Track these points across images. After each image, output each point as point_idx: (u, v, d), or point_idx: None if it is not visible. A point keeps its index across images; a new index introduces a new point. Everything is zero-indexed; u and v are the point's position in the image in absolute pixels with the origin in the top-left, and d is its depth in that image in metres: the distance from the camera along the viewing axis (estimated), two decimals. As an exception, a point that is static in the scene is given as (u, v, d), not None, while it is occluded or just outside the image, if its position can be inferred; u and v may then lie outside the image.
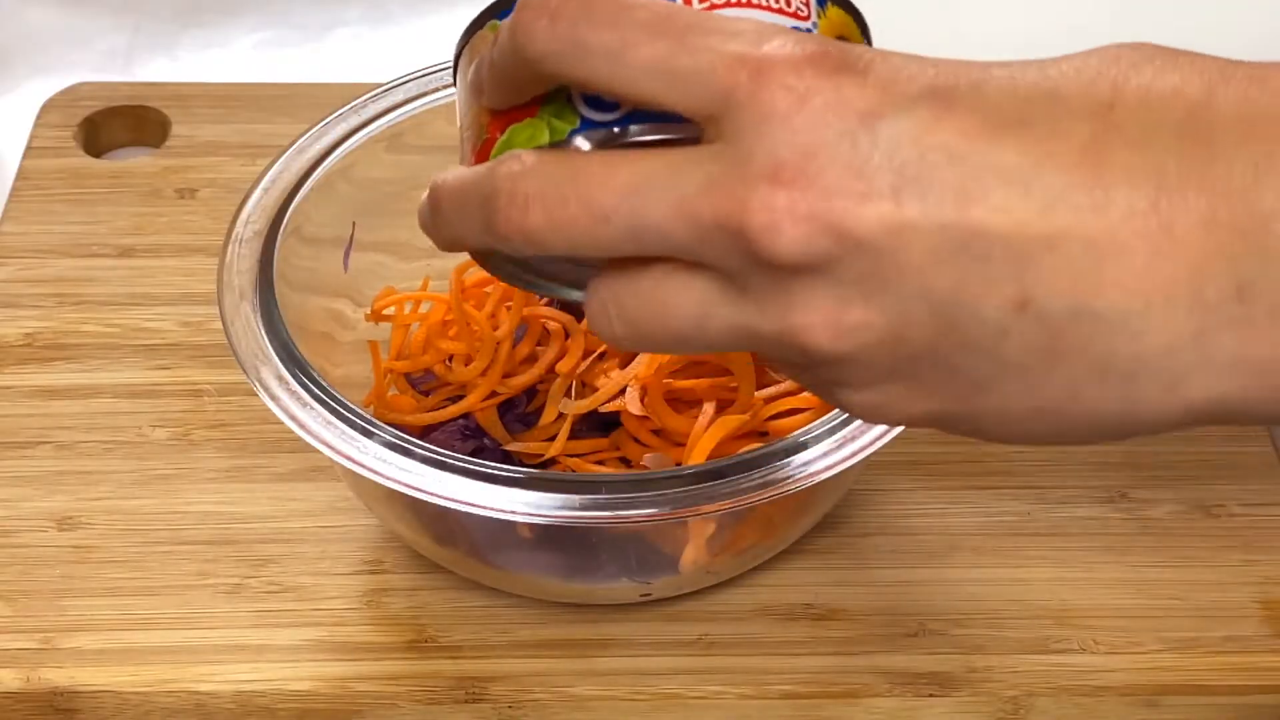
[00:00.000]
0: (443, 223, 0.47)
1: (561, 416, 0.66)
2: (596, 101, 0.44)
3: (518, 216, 0.43)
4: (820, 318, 0.42)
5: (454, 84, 0.50)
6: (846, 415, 0.60)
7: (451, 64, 0.50)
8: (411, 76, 0.70)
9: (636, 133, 0.44)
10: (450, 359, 0.68)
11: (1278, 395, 0.41)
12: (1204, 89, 0.41)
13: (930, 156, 0.40)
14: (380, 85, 0.70)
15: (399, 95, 0.70)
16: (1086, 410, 0.42)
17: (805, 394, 0.66)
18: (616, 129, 0.44)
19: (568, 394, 0.67)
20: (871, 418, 0.44)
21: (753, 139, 0.41)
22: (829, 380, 0.43)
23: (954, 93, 0.41)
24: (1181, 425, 0.42)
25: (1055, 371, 0.41)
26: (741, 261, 0.42)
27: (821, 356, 0.42)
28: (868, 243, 0.40)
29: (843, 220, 0.40)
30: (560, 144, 0.45)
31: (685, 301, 0.43)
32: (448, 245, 0.48)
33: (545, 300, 0.69)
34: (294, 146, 0.68)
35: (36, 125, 0.88)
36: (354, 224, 0.70)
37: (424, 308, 0.71)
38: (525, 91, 0.45)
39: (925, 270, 0.41)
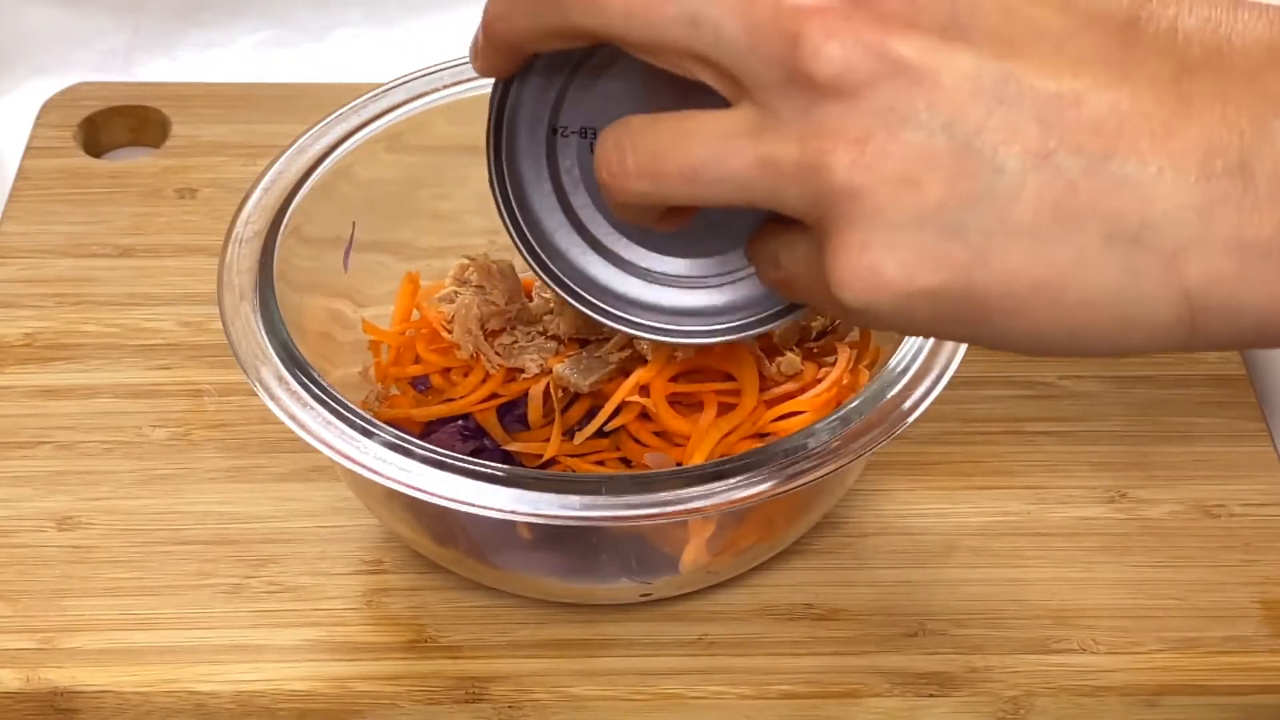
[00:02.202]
0: (496, 14, 0.48)
1: (561, 417, 0.66)
2: None
3: None
4: (844, 141, 0.42)
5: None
6: (846, 415, 0.60)
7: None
8: (411, 76, 0.70)
9: None
10: (449, 370, 0.68)
11: (1269, 283, 0.41)
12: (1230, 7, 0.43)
13: (983, 5, 0.42)
14: (380, 85, 0.70)
15: (399, 95, 0.70)
16: (1086, 284, 0.42)
17: (806, 396, 0.66)
18: None
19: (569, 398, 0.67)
20: (864, 292, 0.43)
21: None
22: (834, 230, 0.43)
23: None
24: (1173, 326, 0.42)
25: (1064, 234, 0.42)
26: (780, 75, 0.43)
27: (837, 185, 0.42)
28: (906, 67, 0.42)
29: (885, 42, 0.42)
30: None
31: (709, 130, 0.44)
32: (506, 39, 0.49)
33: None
34: (294, 146, 0.68)
35: (36, 125, 0.88)
36: (354, 224, 0.70)
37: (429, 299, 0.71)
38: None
39: (955, 105, 0.42)
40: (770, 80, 0.43)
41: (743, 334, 0.55)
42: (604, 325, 0.55)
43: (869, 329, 0.46)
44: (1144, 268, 0.42)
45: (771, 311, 0.54)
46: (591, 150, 0.53)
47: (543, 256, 0.55)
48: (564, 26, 0.46)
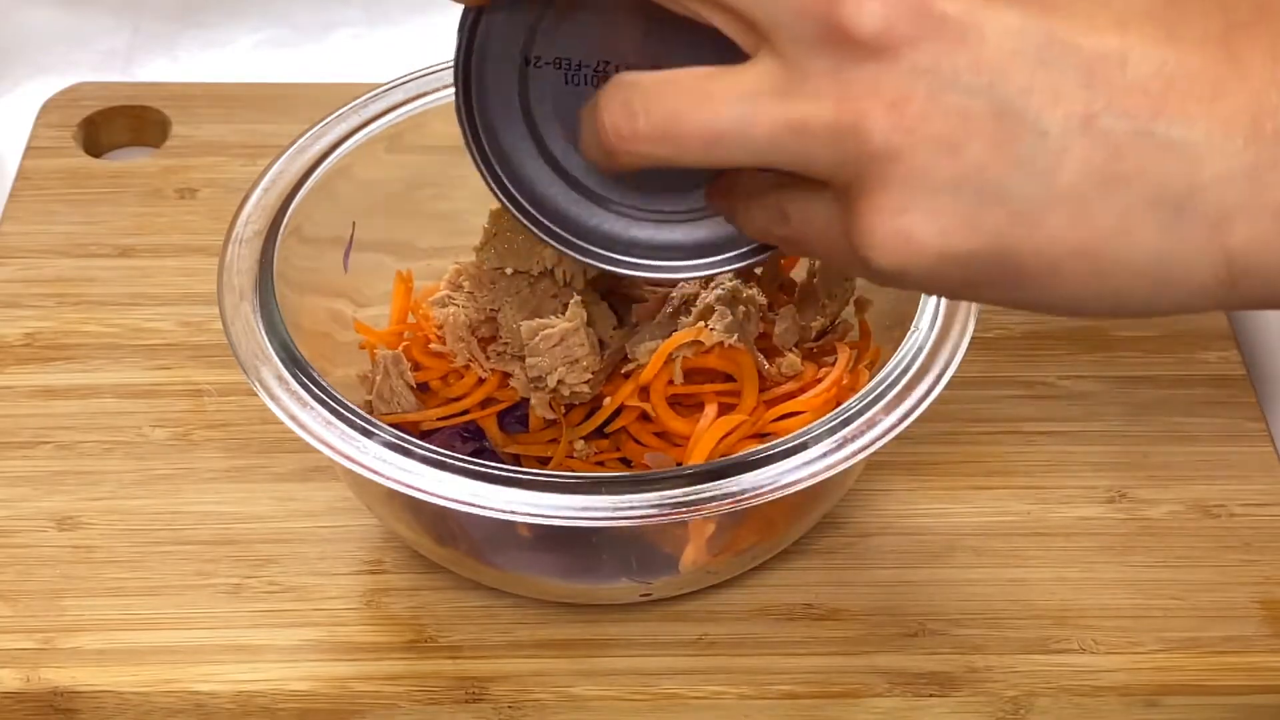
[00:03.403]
0: None
1: (562, 418, 0.66)
2: None
3: None
4: (882, 102, 0.41)
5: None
6: (846, 416, 0.60)
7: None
8: (411, 76, 0.70)
9: None
10: (447, 375, 0.68)
11: None
12: None
13: None
14: (380, 85, 0.70)
15: (399, 95, 0.70)
16: (1129, 248, 0.41)
17: (805, 396, 0.66)
18: None
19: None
20: (897, 255, 0.42)
21: None
22: (866, 192, 0.42)
23: None
24: (1212, 288, 0.41)
25: (1108, 198, 0.41)
26: (813, 29, 0.41)
27: (873, 148, 0.41)
28: (948, 26, 0.41)
29: (926, 1, 0.41)
30: None
31: (731, 90, 0.42)
32: None
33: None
34: (294, 146, 0.68)
35: (36, 125, 0.88)
36: (354, 224, 0.70)
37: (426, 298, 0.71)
38: None
39: (997, 66, 0.41)
40: (801, 34, 0.41)
41: (720, 269, 0.53)
42: (573, 259, 0.53)
43: (892, 287, 0.45)
44: (1188, 232, 0.41)
45: (747, 250, 0.52)
46: (567, 82, 0.50)
47: (512, 191, 0.52)
48: None
